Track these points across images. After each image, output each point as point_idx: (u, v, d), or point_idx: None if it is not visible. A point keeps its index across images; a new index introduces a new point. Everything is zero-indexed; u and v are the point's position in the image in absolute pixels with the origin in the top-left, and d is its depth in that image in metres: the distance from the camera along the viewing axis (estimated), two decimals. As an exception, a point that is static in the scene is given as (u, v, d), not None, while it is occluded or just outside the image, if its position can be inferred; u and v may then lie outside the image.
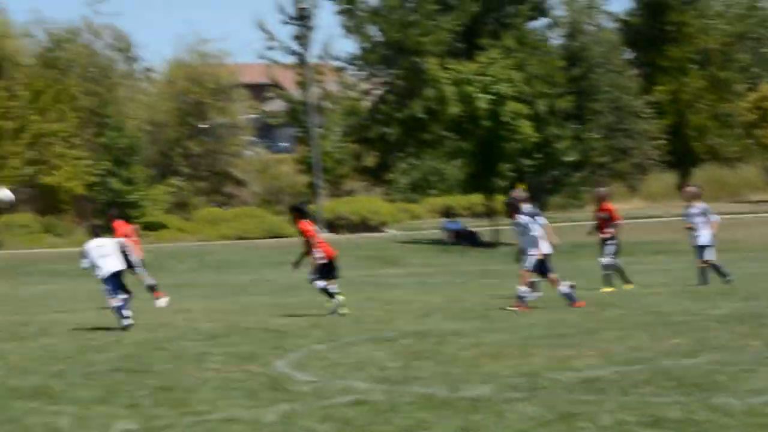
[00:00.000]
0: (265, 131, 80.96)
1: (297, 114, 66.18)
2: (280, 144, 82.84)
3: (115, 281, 19.87)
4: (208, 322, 20.71)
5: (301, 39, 64.92)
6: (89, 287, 33.33)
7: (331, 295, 20.91)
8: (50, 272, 43.00)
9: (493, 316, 20.25)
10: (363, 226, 59.26)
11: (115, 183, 55.38)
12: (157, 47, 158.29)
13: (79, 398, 12.86)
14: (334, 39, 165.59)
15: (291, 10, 65.71)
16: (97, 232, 20.68)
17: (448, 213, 63.06)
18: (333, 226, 58.30)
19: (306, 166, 64.22)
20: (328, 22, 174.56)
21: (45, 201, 57.33)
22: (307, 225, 20.99)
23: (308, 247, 20.97)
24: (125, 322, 19.57)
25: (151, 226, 55.47)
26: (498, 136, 50.30)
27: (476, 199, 58.08)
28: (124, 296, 19.85)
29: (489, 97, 49.69)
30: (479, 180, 52.79)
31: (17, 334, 19.71)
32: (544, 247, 21.18)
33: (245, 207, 62.35)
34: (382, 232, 58.85)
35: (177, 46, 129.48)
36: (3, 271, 43.21)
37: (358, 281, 32.73)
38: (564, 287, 20.67)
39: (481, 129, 50.36)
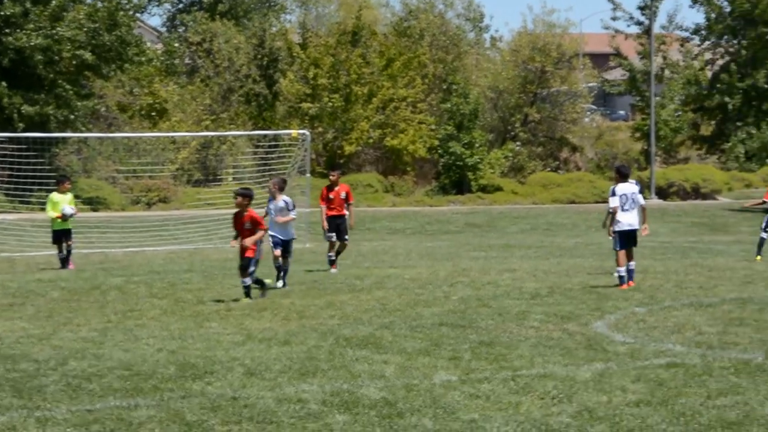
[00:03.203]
0: (604, 99, 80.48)
1: (636, 83, 65.77)
2: (619, 112, 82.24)
3: None
4: (532, 282, 21.17)
5: (647, 9, 64.19)
6: (425, 245, 34.43)
7: None
8: (389, 229, 44.39)
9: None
10: (695, 193, 58.55)
11: (455, 146, 56.57)
12: (506, 17, 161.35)
13: (404, 349, 13.60)
14: (679, 9, 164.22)
15: (639, -19, 64.98)
16: None
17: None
18: (664, 192, 57.90)
19: (642, 133, 63.94)
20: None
21: (388, 162, 59.23)
22: None
23: None
24: None
25: (487, 189, 56.63)
26: None
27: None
28: None
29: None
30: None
31: (354, 287, 20.75)
32: None
33: (578, 172, 62.43)
34: (715, 200, 57.82)
35: (524, 16, 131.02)
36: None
37: (685, 247, 32.45)
38: None
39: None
